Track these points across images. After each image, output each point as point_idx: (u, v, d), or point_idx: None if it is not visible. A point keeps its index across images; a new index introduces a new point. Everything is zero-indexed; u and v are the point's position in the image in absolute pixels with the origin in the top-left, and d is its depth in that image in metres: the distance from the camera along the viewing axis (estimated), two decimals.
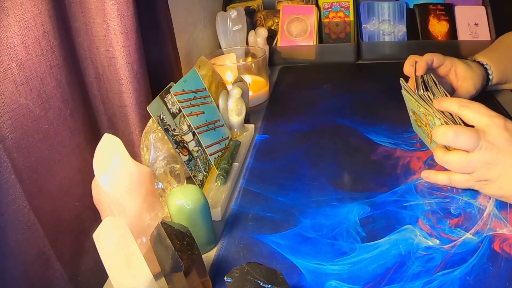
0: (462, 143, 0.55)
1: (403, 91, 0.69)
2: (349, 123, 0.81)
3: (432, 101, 0.63)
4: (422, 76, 0.69)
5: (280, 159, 0.72)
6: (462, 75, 0.76)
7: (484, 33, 1.07)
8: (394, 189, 0.63)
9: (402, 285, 0.48)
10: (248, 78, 0.91)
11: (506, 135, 0.54)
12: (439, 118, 0.60)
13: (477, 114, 0.56)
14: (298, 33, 1.12)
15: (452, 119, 0.60)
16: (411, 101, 0.66)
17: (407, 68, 0.72)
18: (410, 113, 0.71)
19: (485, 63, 0.79)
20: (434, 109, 0.61)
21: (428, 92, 0.65)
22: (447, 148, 0.60)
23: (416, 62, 0.72)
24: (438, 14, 1.10)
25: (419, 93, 0.65)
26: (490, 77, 0.79)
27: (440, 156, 0.59)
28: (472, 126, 0.57)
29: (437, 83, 0.67)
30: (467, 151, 0.56)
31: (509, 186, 0.55)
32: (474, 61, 0.80)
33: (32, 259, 0.48)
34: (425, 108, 0.62)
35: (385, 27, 1.12)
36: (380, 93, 0.91)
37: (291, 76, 1.06)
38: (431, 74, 0.69)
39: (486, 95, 0.82)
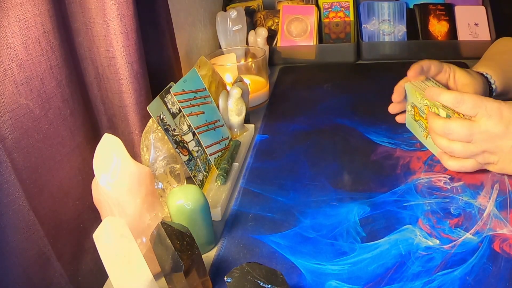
0: (454, 131, 0.59)
1: (407, 84, 0.69)
2: (349, 123, 0.81)
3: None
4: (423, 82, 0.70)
5: (280, 159, 0.72)
6: (462, 81, 0.70)
7: (484, 33, 1.07)
8: (394, 189, 0.63)
9: (402, 285, 0.48)
10: (248, 78, 0.91)
11: (501, 127, 0.57)
12: (444, 109, 0.61)
13: (472, 107, 0.58)
14: (298, 33, 1.12)
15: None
16: (413, 94, 0.67)
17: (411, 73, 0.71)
18: (408, 108, 0.72)
19: (485, 72, 0.72)
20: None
21: (435, 83, 0.66)
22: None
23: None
24: (438, 14, 1.10)
25: (425, 82, 0.67)
26: (493, 86, 0.72)
27: (440, 123, 0.61)
28: None
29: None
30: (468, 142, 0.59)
31: (510, 166, 0.60)
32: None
33: (32, 259, 0.48)
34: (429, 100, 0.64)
35: (385, 27, 1.12)
36: (380, 93, 0.91)
37: (291, 76, 1.06)
38: (433, 81, 0.70)
39: None
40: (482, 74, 0.72)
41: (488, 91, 0.72)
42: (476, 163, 0.62)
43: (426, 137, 0.67)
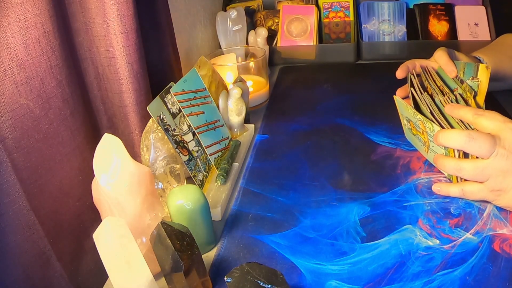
0: (477, 147, 0.53)
1: (396, 98, 0.68)
2: (349, 123, 0.81)
3: (431, 106, 0.61)
4: (419, 76, 0.69)
5: (280, 159, 0.72)
6: None
7: (484, 33, 1.07)
8: (394, 189, 0.63)
9: (402, 285, 0.48)
10: (248, 79, 0.91)
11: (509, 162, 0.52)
12: (438, 125, 0.58)
13: (492, 120, 0.55)
14: (298, 33, 1.12)
15: (459, 125, 0.58)
16: (406, 109, 0.65)
17: (400, 72, 0.73)
18: (404, 121, 0.70)
19: (480, 57, 0.79)
20: (435, 114, 0.60)
21: (425, 96, 0.63)
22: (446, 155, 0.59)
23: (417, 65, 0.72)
24: (438, 14, 1.10)
25: (419, 95, 0.64)
26: None
27: (452, 164, 0.57)
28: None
29: (434, 77, 0.67)
30: (481, 158, 0.54)
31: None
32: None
33: (32, 259, 0.48)
34: (422, 115, 0.61)
35: (385, 27, 1.12)
36: (380, 93, 0.91)
37: (291, 76, 1.06)
38: (430, 70, 0.70)
39: (487, 96, 0.82)
40: (477, 59, 0.78)
41: None
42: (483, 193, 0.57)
43: (428, 151, 0.65)
